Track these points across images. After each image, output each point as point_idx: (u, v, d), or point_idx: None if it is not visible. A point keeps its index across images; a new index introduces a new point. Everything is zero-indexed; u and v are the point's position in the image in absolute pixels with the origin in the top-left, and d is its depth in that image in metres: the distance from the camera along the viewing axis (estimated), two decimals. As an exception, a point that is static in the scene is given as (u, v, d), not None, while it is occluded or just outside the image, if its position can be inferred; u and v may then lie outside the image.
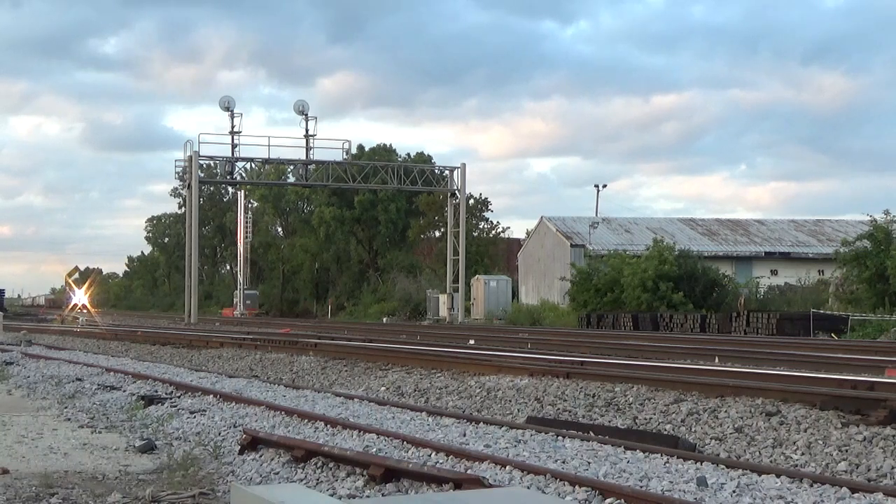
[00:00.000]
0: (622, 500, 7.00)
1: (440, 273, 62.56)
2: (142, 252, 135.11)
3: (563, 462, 8.65)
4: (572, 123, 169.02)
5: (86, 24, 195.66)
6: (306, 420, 11.55)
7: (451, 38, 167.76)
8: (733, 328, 36.57)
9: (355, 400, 13.93)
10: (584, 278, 50.17)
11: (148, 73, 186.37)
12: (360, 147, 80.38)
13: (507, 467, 8.16)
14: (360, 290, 78.16)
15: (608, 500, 7.06)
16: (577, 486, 7.40)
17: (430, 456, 8.99)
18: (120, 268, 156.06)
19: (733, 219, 71.38)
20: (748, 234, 66.23)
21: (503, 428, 10.75)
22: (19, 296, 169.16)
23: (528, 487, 7.49)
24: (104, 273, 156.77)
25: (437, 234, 75.28)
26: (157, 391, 15.49)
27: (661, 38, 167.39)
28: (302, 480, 8.37)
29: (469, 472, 8.06)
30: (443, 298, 57.96)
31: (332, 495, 7.66)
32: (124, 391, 15.78)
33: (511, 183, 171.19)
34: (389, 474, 7.94)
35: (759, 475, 7.91)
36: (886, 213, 40.03)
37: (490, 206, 75.88)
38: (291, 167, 59.54)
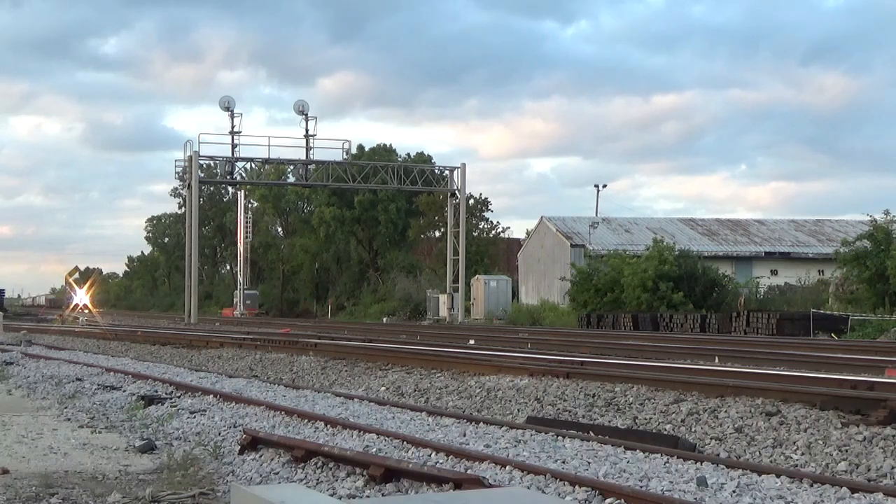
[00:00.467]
0: (622, 500, 7.00)
1: (440, 273, 62.56)
2: (142, 252, 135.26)
3: (563, 462, 8.65)
4: (572, 123, 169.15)
5: (86, 24, 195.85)
6: (306, 420, 11.55)
7: (451, 38, 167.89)
8: (733, 328, 36.57)
9: (355, 400, 13.93)
10: (584, 278, 50.17)
11: (148, 73, 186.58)
12: (360, 147, 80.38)
13: (507, 467, 8.16)
14: (360, 290, 78.15)
15: (608, 500, 7.06)
16: (577, 486, 7.40)
17: (430, 456, 8.99)
18: (120, 268, 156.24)
19: (733, 219, 71.41)
20: (748, 234, 66.23)
21: (503, 428, 10.75)
22: (19, 296, 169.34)
23: (528, 487, 7.49)
24: (104, 273, 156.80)
25: (437, 234, 75.27)
26: (157, 391, 15.49)
27: (662, 37, 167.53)
28: (302, 480, 8.37)
29: (469, 472, 8.06)
30: (443, 298, 57.96)
31: (332, 495, 7.66)
32: (124, 391, 15.78)
33: (511, 183, 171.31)
34: (389, 474, 7.94)
35: (759, 475, 7.91)
36: (886, 213, 40.06)
37: (490, 206, 75.98)
38: (291, 167, 59.55)
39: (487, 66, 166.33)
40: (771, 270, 59.80)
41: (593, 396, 13.28)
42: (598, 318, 44.01)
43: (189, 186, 55.90)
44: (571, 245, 61.28)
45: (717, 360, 20.42)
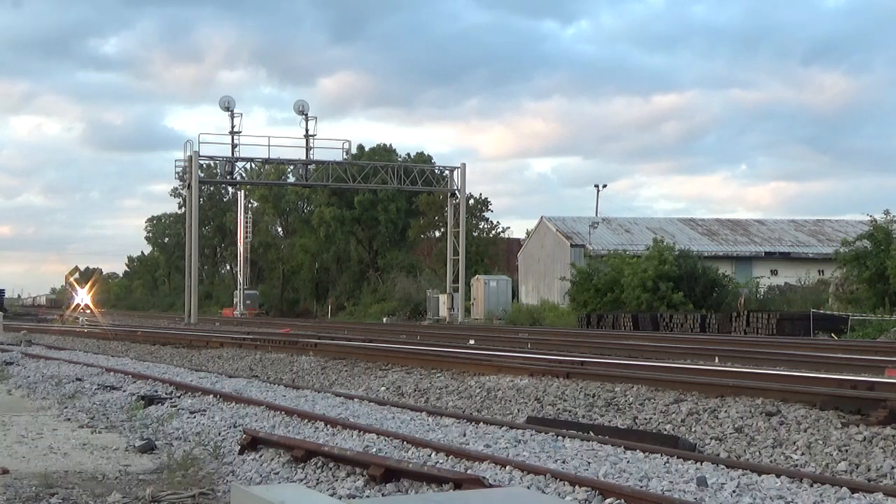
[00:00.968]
0: (622, 500, 7.00)
1: (440, 273, 62.55)
2: (142, 252, 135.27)
3: (563, 462, 8.65)
4: (573, 123, 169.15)
5: (86, 24, 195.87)
6: (306, 420, 11.55)
7: (451, 38, 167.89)
8: (733, 328, 36.57)
9: (355, 400, 13.94)
10: (584, 278, 50.17)
11: (148, 73, 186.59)
12: (360, 147, 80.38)
13: (507, 467, 8.16)
14: (360, 290, 78.14)
15: (608, 500, 7.06)
16: (577, 486, 7.40)
17: (430, 456, 8.99)
18: (120, 268, 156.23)
19: (733, 219, 71.41)
20: (748, 234, 66.23)
21: (503, 428, 10.75)
22: (19, 296, 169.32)
23: (528, 487, 7.49)
24: (104, 273, 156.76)
25: (437, 234, 75.26)
26: (157, 391, 15.49)
27: (662, 37, 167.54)
28: (302, 480, 8.37)
29: (469, 472, 8.06)
30: (443, 298, 57.96)
31: (332, 495, 7.66)
32: (124, 391, 15.78)
33: (511, 183, 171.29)
34: (389, 474, 7.94)
35: (759, 475, 7.91)
36: (886, 213, 40.06)
37: (490, 206, 75.99)
38: (291, 167, 59.54)
39: (488, 66, 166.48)
40: (771, 270, 59.80)
41: (593, 396, 13.28)
42: (598, 318, 44.01)
43: (189, 186, 55.89)
44: (571, 245, 61.28)
45: (717, 360, 20.41)
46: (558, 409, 12.95)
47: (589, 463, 8.61)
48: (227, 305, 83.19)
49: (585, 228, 63.61)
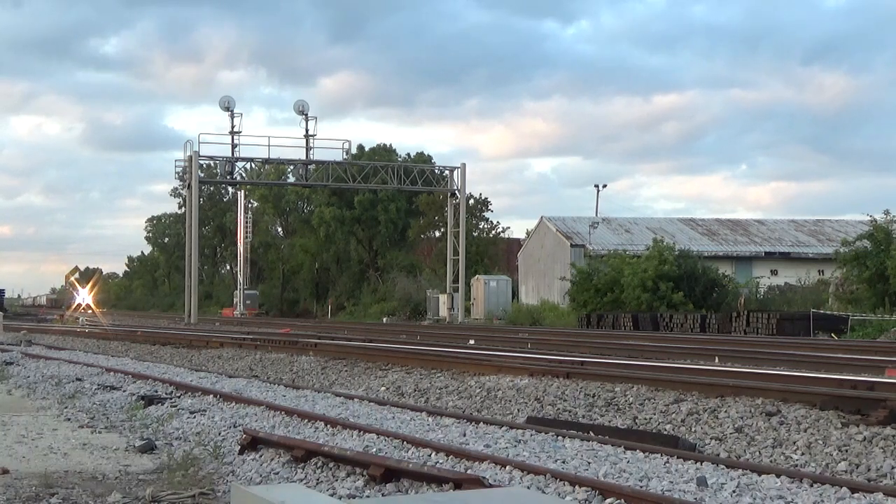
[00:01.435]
0: (622, 500, 7.00)
1: (440, 273, 62.55)
2: (142, 252, 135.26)
3: (563, 462, 8.65)
4: (573, 123, 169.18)
5: (86, 24, 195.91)
6: (306, 420, 11.55)
7: (451, 38, 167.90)
8: (733, 328, 36.56)
9: (355, 400, 13.93)
10: (584, 278, 50.16)
11: (148, 73, 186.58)
12: (360, 147, 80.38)
13: (507, 467, 8.16)
14: (360, 290, 78.14)
15: (608, 500, 7.06)
16: (577, 486, 7.40)
17: (430, 456, 8.99)
18: (120, 268, 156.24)
19: (733, 219, 71.41)
20: (748, 234, 66.23)
21: (503, 428, 10.75)
22: (19, 296, 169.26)
23: (528, 487, 7.48)
24: (104, 273, 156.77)
25: (437, 234, 75.26)
26: (157, 391, 15.49)
27: (662, 37, 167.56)
28: (302, 480, 8.37)
29: (469, 472, 8.05)
30: (443, 298, 57.96)
31: (332, 495, 7.66)
32: (124, 391, 15.78)
33: (511, 183, 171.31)
34: (389, 474, 7.94)
35: (759, 475, 7.91)
36: (886, 213, 40.06)
37: (490, 206, 75.99)
38: (291, 167, 59.54)
39: (488, 65, 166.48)
40: (771, 270, 59.79)
41: (593, 396, 13.28)
42: (598, 318, 44.00)
43: (189, 186, 55.89)
44: (571, 245, 61.28)
45: (717, 360, 20.41)
46: (558, 409, 12.95)
47: (589, 463, 8.61)
48: (227, 305, 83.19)
49: (585, 228, 63.60)
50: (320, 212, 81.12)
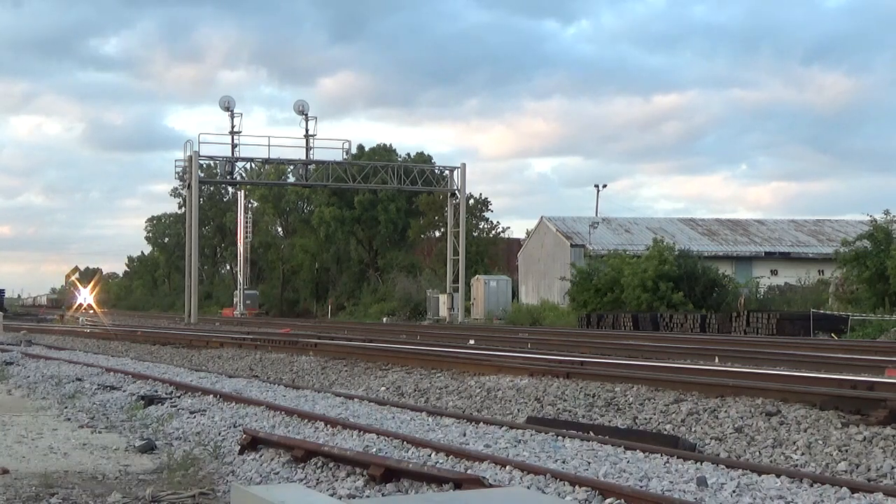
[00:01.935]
0: (622, 500, 7.00)
1: (440, 273, 62.55)
2: (142, 252, 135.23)
3: (563, 462, 8.65)
4: (573, 123, 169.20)
5: (87, 24, 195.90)
6: (306, 420, 11.55)
7: (452, 38, 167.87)
8: (733, 328, 36.56)
9: (355, 400, 13.93)
10: (584, 278, 50.17)
11: (149, 72, 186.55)
12: (360, 147, 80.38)
13: (507, 467, 8.16)
14: (360, 290, 78.13)
15: (608, 500, 7.06)
16: (577, 486, 7.40)
17: (430, 456, 8.99)
18: (120, 268, 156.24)
19: (733, 219, 71.41)
20: (748, 234, 66.23)
21: (503, 428, 10.75)
22: (19, 296, 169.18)
23: (528, 487, 7.48)
24: (104, 273, 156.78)
25: (437, 234, 75.25)
26: (157, 391, 15.49)
27: (663, 37, 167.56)
28: (302, 480, 8.37)
29: (469, 472, 8.05)
30: (443, 298, 57.95)
31: (332, 495, 7.66)
32: (124, 391, 15.77)
33: (511, 183, 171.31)
34: (389, 474, 7.94)
35: (759, 475, 7.91)
36: (886, 213, 40.06)
37: (490, 206, 76.01)
38: (291, 167, 59.55)
39: (488, 65, 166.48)
40: (771, 270, 59.79)
41: (593, 396, 13.28)
42: (598, 318, 44.00)
43: (189, 186, 55.90)
44: (571, 245, 61.28)
45: (717, 360, 20.41)
46: (558, 409, 12.95)
47: (589, 463, 8.61)
48: (227, 305, 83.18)
49: (585, 228, 63.61)
50: (320, 212, 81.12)
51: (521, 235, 76.96)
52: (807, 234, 66.60)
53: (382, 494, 7.69)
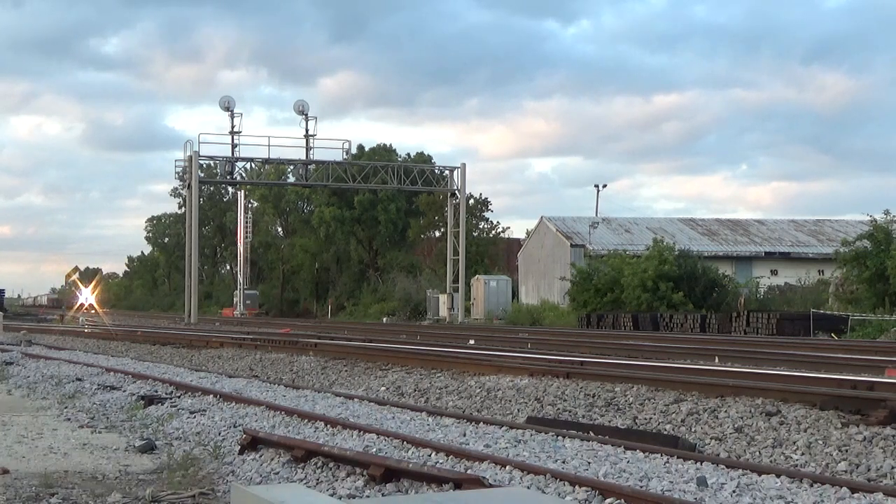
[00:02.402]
0: (622, 500, 6.99)
1: (440, 273, 62.55)
2: (142, 252, 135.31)
3: (563, 462, 8.65)
4: (574, 123, 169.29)
5: (87, 24, 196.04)
6: (306, 420, 11.55)
7: (452, 38, 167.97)
8: (733, 328, 36.56)
9: (355, 400, 13.93)
10: (584, 278, 50.17)
11: (149, 72, 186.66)
12: (361, 147, 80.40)
13: (507, 467, 8.16)
14: (360, 290, 78.14)
15: (608, 500, 7.06)
16: (577, 486, 7.40)
17: (430, 456, 8.99)
18: (120, 268, 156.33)
19: (733, 219, 71.42)
20: (748, 234, 66.23)
21: (503, 428, 10.75)
22: (19, 296, 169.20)
23: (528, 487, 7.48)
24: (104, 273, 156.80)
25: (437, 234, 75.26)
26: (157, 391, 15.49)
27: (663, 37, 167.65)
28: (302, 480, 8.37)
29: (469, 472, 8.05)
30: (443, 298, 57.95)
31: (332, 495, 7.66)
32: (124, 391, 15.77)
33: (512, 183, 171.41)
34: (389, 474, 7.94)
35: (759, 475, 7.90)
36: (886, 213, 40.04)
37: (490, 206, 76.02)
38: (291, 167, 59.55)
39: (488, 65, 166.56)
40: (771, 270, 59.79)
41: (593, 396, 13.28)
42: (598, 318, 44.00)
43: (189, 186, 55.90)
44: (571, 245, 61.28)
45: (717, 360, 20.41)
46: (558, 409, 12.95)
47: (589, 463, 8.61)
48: (227, 305, 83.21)
49: (585, 228, 63.61)
50: (320, 212, 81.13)
51: (521, 235, 77.01)
52: (807, 234, 66.60)
53: (382, 494, 7.69)
